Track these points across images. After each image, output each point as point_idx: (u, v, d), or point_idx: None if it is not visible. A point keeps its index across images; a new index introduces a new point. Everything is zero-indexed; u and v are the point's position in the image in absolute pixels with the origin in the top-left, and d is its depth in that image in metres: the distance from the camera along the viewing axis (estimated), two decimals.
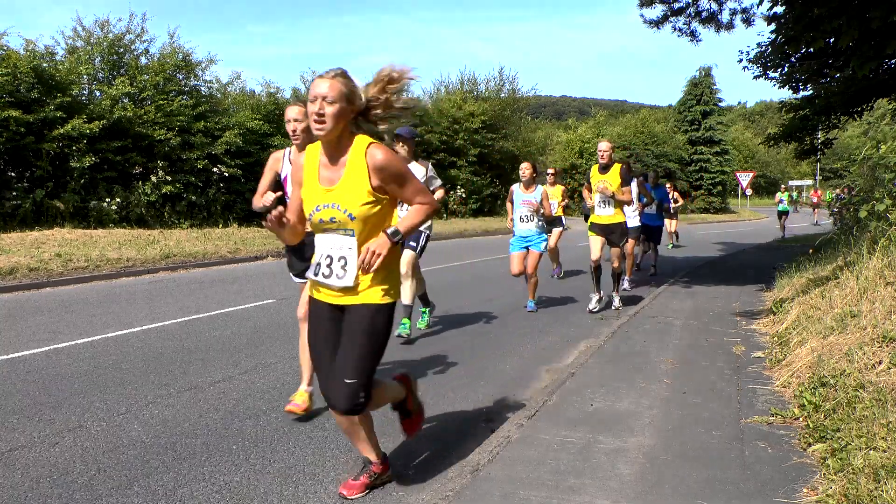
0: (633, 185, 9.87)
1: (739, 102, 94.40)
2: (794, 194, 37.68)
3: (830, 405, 3.74)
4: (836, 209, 28.55)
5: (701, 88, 42.22)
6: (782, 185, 25.60)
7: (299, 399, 4.11)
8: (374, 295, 2.79)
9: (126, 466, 3.34)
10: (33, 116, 13.71)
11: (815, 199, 33.01)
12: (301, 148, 3.81)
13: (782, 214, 22.73)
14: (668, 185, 15.41)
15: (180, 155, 16.14)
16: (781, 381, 4.61)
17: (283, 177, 4.06)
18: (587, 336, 6.59)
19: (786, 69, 13.79)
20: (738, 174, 31.72)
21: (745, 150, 57.01)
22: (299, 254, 4.02)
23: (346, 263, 2.76)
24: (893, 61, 11.69)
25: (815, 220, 31.00)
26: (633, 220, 10.24)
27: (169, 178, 15.82)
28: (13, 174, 14.14)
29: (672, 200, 16.05)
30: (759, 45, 13.43)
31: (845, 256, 6.66)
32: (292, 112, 3.90)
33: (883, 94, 13.12)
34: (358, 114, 2.73)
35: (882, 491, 2.66)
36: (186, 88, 17.51)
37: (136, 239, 12.88)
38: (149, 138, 15.68)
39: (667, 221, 16.04)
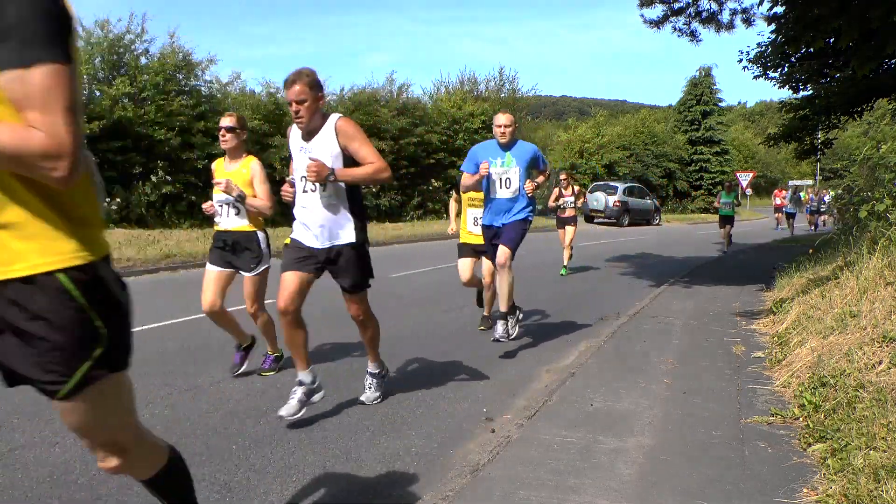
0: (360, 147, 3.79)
1: (739, 102, 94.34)
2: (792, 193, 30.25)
3: (830, 405, 3.74)
4: (803, 209, 25.85)
5: (701, 88, 42.22)
6: (726, 182, 17.61)
7: None
8: None
9: None
10: None
11: (777, 202, 26.52)
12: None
13: (725, 220, 16.21)
14: (562, 177, 11.85)
15: (180, 155, 16.13)
16: (781, 381, 4.61)
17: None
18: (587, 336, 6.59)
19: (786, 69, 13.82)
20: (738, 174, 31.73)
21: (745, 150, 57.02)
22: None
23: None
24: (893, 61, 11.71)
25: (778, 225, 26.31)
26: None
27: (169, 178, 15.82)
28: None
29: (573, 196, 11.74)
30: (759, 45, 13.48)
31: (845, 256, 6.67)
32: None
33: (883, 94, 13.14)
34: None
35: (882, 491, 2.66)
36: (186, 88, 17.51)
37: (136, 239, 12.87)
38: (149, 138, 15.69)
39: (562, 231, 11.69)
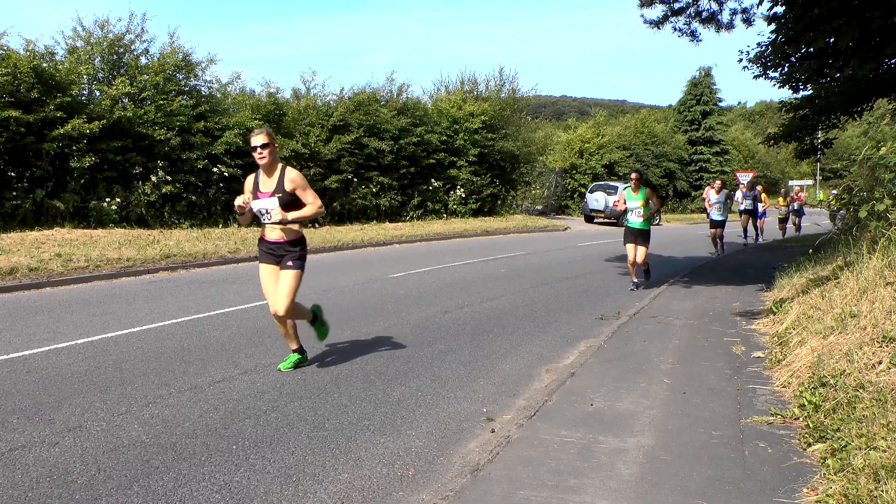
0: None
1: (739, 102, 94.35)
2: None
3: (830, 405, 3.74)
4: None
5: (701, 88, 42.33)
6: (633, 175, 10.12)
7: None
8: None
9: (126, 466, 3.34)
10: (33, 116, 13.67)
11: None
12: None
13: (635, 238, 9.90)
14: (258, 140, 4.85)
15: (180, 155, 16.09)
16: (781, 381, 4.62)
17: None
18: (587, 336, 6.59)
19: (786, 69, 13.81)
20: (738, 174, 31.77)
21: (745, 150, 57.04)
22: None
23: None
24: (893, 61, 11.70)
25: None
26: None
27: (169, 178, 15.79)
28: (13, 174, 14.10)
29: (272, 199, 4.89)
30: (759, 45, 13.45)
31: (845, 256, 6.66)
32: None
33: (883, 94, 13.13)
34: None
35: (882, 491, 2.66)
36: (186, 88, 17.45)
37: (136, 239, 12.87)
38: (149, 138, 15.65)
39: (263, 273, 5.08)
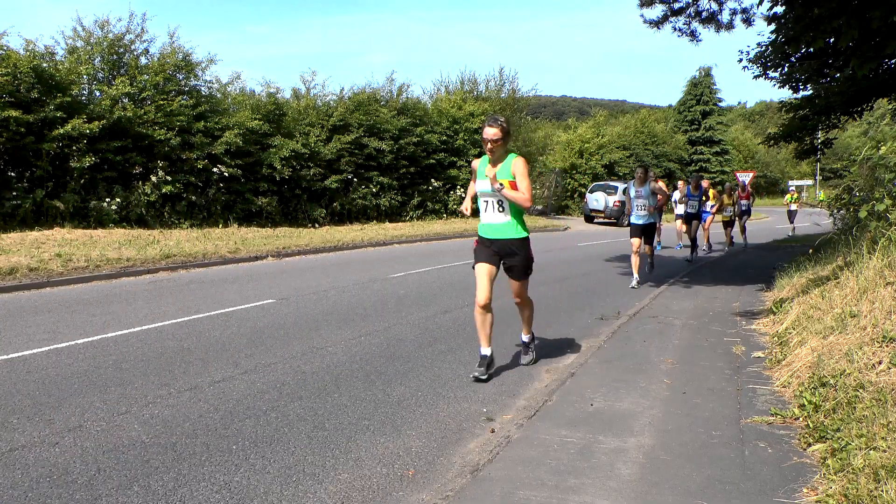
0: None
1: (739, 102, 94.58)
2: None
3: (830, 405, 3.74)
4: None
5: (701, 88, 42.42)
6: (491, 131, 4.89)
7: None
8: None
9: (126, 466, 3.34)
10: (33, 116, 13.68)
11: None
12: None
13: (498, 256, 5.37)
14: None
15: (180, 155, 16.11)
16: (781, 381, 4.62)
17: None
18: (587, 336, 6.59)
19: (786, 69, 13.82)
20: (737, 174, 31.80)
21: (745, 150, 57.06)
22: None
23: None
24: (893, 61, 11.71)
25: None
26: None
27: (169, 178, 15.80)
28: (13, 174, 14.10)
29: None
30: (759, 45, 13.47)
31: (845, 256, 6.66)
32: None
33: (883, 94, 13.14)
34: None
35: (882, 491, 2.66)
36: (186, 88, 17.47)
37: (136, 239, 12.87)
38: (149, 138, 15.66)
39: None
